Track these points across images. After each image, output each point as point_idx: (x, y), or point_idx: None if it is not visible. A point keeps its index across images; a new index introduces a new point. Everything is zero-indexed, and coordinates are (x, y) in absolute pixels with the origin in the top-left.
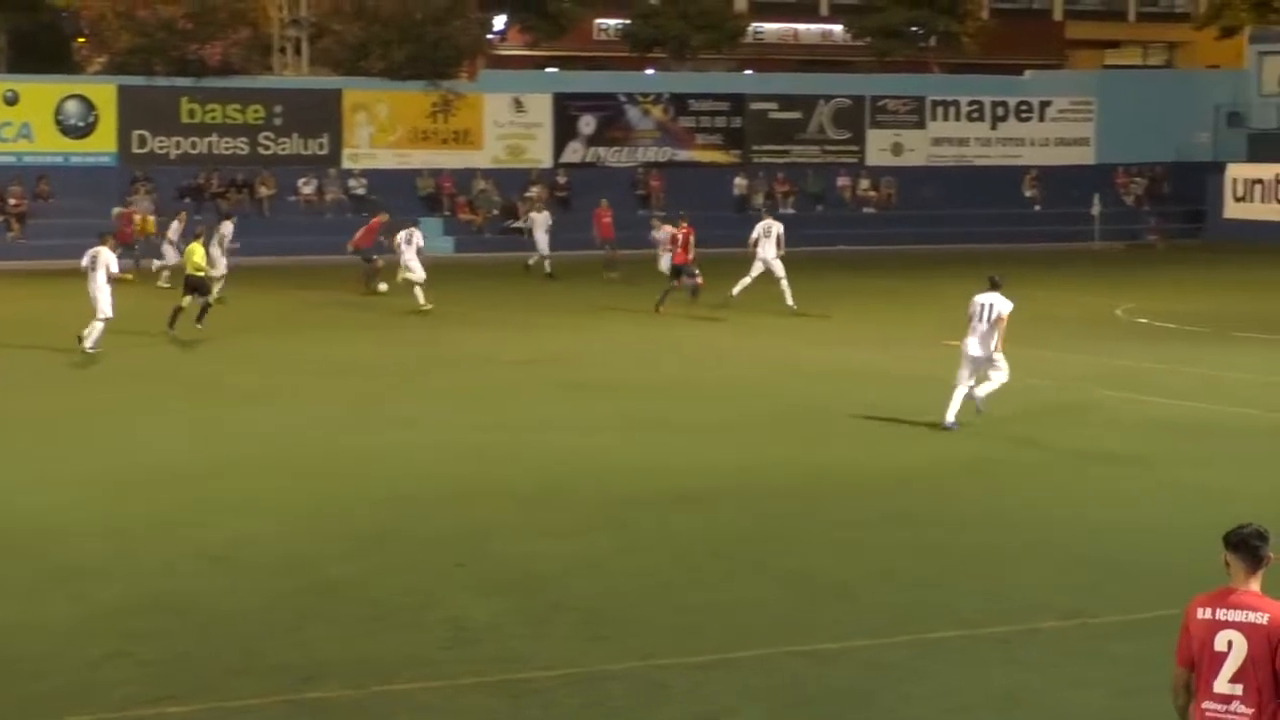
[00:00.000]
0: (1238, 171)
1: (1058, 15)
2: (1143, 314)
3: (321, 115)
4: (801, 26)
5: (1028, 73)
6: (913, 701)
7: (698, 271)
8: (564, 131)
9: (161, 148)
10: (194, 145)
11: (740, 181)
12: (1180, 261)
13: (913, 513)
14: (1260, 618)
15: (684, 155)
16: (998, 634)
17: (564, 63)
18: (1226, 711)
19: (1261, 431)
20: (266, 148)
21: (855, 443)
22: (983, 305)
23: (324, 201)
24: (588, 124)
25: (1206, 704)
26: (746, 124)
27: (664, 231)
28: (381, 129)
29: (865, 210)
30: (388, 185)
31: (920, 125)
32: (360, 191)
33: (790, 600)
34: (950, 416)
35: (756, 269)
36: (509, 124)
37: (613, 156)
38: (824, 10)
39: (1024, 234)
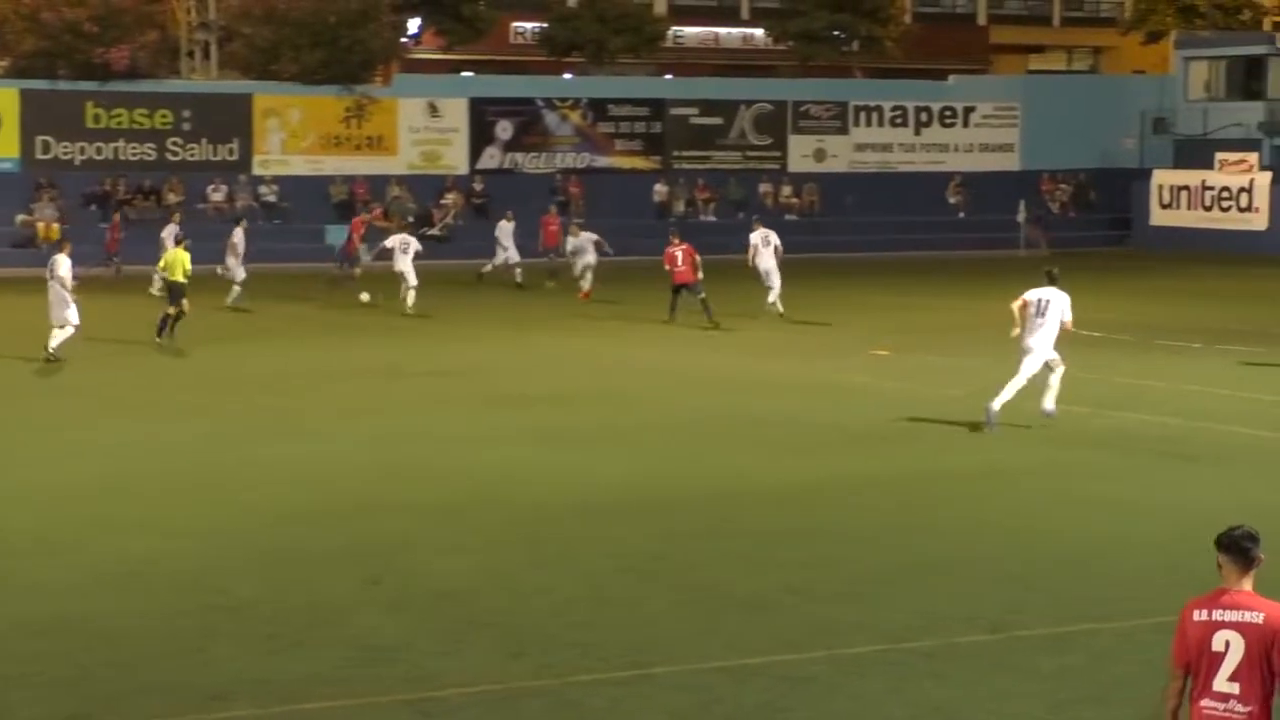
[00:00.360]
0: (1164, 178)
1: (981, 19)
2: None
3: (231, 120)
4: (722, 30)
5: (951, 78)
6: (834, 718)
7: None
8: (480, 137)
9: (66, 153)
10: (99, 151)
11: (660, 188)
12: (1107, 269)
13: (829, 525)
14: (1256, 616)
15: (603, 161)
16: (922, 648)
17: (480, 67)
18: (1225, 710)
19: (1182, 441)
20: (174, 154)
21: (771, 454)
22: (1040, 300)
23: (234, 209)
24: (504, 129)
25: (1205, 702)
26: (667, 129)
27: (582, 238)
28: (293, 134)
29: (788, 217)
30: (300, 192)
31: (843, 131)
32: (271, 199)
33: (706, 615)
34: (995, 404)
35: (769, 278)
36: (424, 129)
37: (530, 163)
38: (745, 14)
39: (948, 241)
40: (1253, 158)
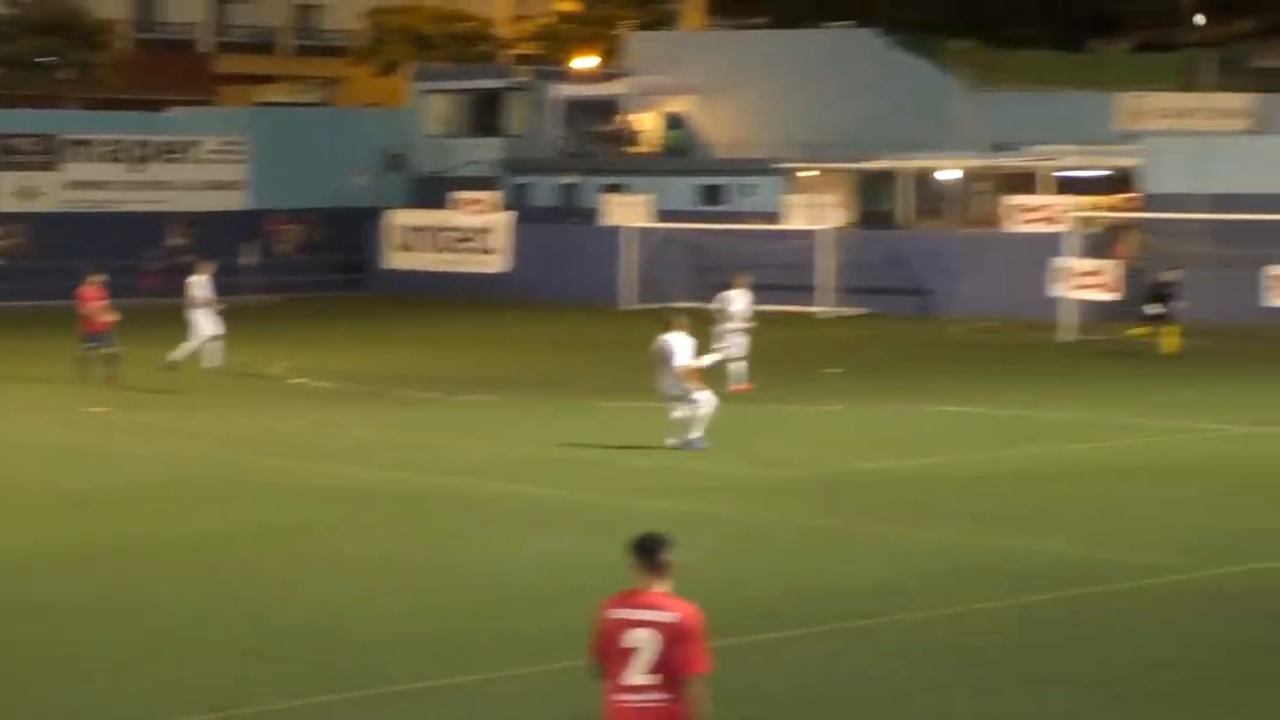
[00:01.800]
0: (399, 218)
1: (204, 47)
2: (300, 373)
3: None
4: None
5: (172, 109)
6: None
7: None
8: None
9: None
10: None
11: None
12: (339, 315)
13: (42, 600)
14: (666, 615)
15: None
16: None
17: None
18: (640, 700)
19: (431, 496)
20: None
21: None
22: (662, 345)
23: None
24: None
25: (618, 696)
26: None
27: None
28: None
29: None
30: None
31: (53, 166)
32: None
33: None
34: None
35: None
36: None
37: None
38: None
39: (173, 286)
40: (492, 196)
